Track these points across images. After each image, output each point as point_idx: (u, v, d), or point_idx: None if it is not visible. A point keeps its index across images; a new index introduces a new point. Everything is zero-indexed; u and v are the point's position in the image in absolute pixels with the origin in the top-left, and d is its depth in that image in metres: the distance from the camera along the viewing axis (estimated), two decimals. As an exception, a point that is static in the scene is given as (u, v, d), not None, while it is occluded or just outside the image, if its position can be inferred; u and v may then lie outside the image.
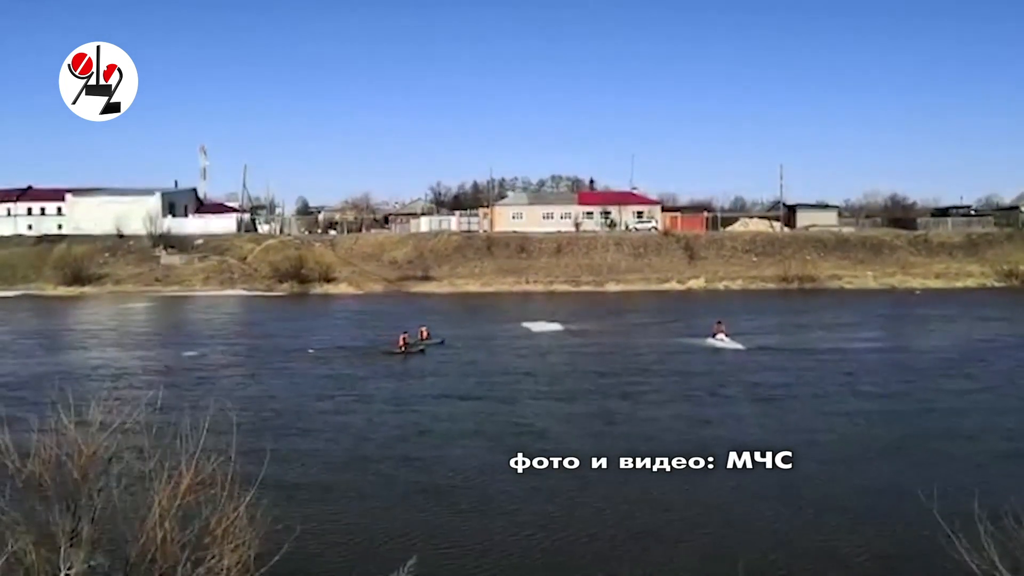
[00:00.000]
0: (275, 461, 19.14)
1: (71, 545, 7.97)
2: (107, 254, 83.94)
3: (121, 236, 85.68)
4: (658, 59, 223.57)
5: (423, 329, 39.45)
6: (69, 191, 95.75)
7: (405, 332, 37.75)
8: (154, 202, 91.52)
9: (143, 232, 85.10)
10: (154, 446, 9.36)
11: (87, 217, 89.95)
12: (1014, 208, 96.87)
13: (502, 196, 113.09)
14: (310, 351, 37.62)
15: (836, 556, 14.05)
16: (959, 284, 75.78)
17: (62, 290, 76.40)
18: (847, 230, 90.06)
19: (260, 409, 25.82)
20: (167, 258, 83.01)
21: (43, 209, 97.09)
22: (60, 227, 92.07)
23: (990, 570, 8.20)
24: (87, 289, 76.65)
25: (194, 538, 8.49)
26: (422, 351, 36.88)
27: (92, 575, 8.12)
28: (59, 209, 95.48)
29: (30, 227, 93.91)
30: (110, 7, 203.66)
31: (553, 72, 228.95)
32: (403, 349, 36.55)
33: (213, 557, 8.30)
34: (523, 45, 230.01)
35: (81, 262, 79.91)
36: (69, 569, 7.74)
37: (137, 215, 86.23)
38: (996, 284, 75.90)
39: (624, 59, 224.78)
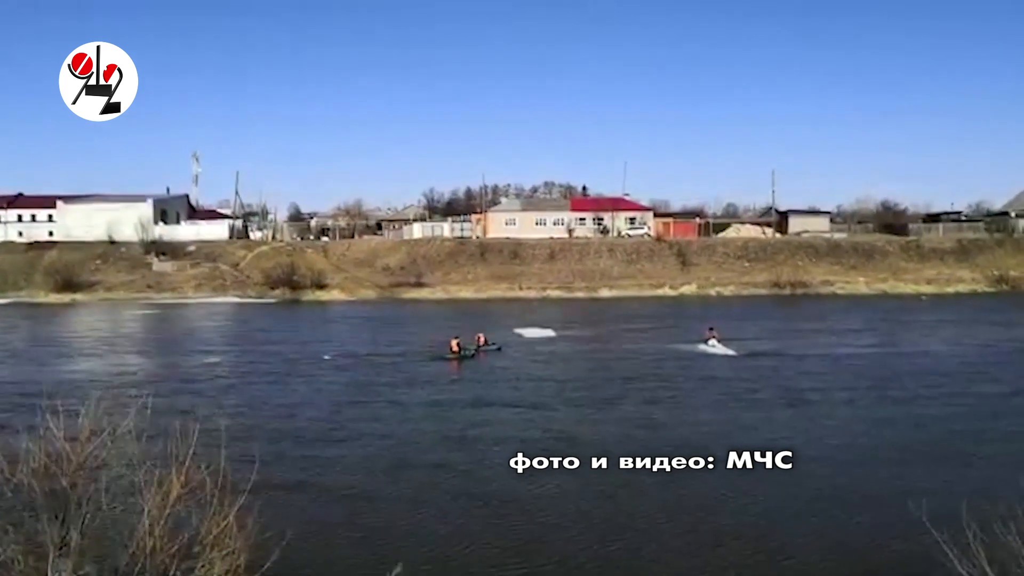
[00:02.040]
0: (299, 468, 19.34)
1: (59, 554, 7.92)
2: (98, 261, 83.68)
3: (113, 243, 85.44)
4: (650, 65, 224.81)
5: (479, 335, 39.15)
6: (60, 198, 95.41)
7: (457, 336, 37.28)
8: (146, 209, 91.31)
9: (135, 239, 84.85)
10: (144, 454, 9.32)
11: (78, 224, 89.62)
12: (1004, 214, 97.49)
13: (495, 202, 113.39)
14: (325, 357, 37.37)
15: (833, 558, 14.05)
16: (950, 289, 76.18)
17: (53, 297, 76.04)
18: (839, 236, 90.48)
19: (292, 416, 25.58)
20: (159, 265, 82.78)
21: (34, 216, 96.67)
22: (51, 234, 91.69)
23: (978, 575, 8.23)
24: (78, 296, 76.34)
25: (184, 546, 8.45)
26: (472, 356, 36.54)
27: (80, 584, 8.07)
28: (50, 216, 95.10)
29: (20, 234, 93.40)
30: (101, 13, 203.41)
31: (545, 78, 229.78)
32: (456, 354, 36.18)
33: (203, 565, 8.27)
34: (515, 51, 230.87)
35: (72, 269, 79.51)
36: (57, 578, 7.69)
37: (129, 222, 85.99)
38: (987, 289, 76.34)
39: (616, 66, 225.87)
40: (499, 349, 38.59)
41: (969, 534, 8.42)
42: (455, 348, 36.41)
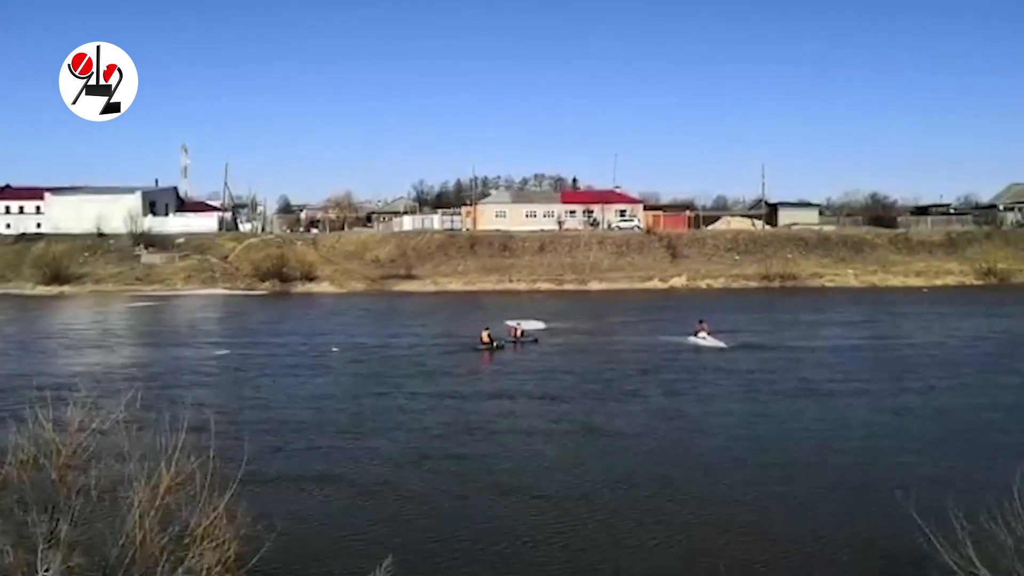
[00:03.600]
0: (293, 460, 19.28)
1: (49, 547, 7.89)
2: (87, 253, 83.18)
3: (101, 235, 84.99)
4: (641, 59, 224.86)
5: (515, 327, 39.26)
6: (48, 189, 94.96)
7: (487, 328, 37.32)
8: (134, 201, 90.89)
9: (123, 231, 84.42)
10: (137, 445, 9.29)
11: (66, 216, 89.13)
12: (992, 207, 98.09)
13: (485, 195, 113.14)
14: (333, 350, 37.29)
15: (830, 556, 14.05)
16: (939, 282, 76.48)
17: (41, 289, 75.57)
18: (828, 229, 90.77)
19: (296, 409, 25.53)
20: (148, 257, 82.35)
21: (21, 208, 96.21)
22: (39, 226, 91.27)
23: (968, 567, 8.29)
24: (66, 288, 75.87)
25: (174, 538, 8.44)
26: (500, 347, 36.53)
27: (70, 577, 8.04)
28: (38, 208, 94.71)
29: (8, 226, 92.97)
30: (92, 7, 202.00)
31: (536, 71, 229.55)
32: (488, 344, 36.18)
33: (193, 557, 8.25)
34: (506, 44, 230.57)
35: (60, 261, 79.03)
36: (46, 571, 7.65)
37: (117, 214, 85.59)
38: (975, 282, 76.65)
39: (607, 58, 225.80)
40: (535, 341, 38.38)
41: (957, 525, 8.48)
42: (486, 339, 36.35)
